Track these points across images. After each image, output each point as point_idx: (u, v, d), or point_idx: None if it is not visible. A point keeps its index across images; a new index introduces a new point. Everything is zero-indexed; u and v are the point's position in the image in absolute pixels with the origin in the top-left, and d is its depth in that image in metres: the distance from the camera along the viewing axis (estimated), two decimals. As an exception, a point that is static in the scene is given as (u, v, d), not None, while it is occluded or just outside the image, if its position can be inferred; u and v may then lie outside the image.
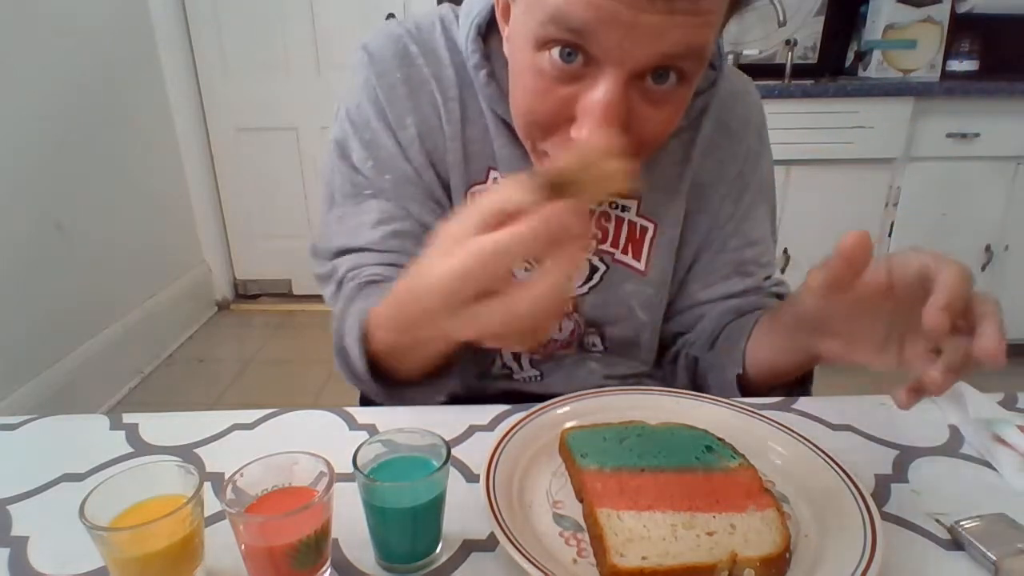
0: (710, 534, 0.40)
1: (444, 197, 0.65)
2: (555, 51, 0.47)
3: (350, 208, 0.66)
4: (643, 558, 0.38)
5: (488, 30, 0.61)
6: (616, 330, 0.70)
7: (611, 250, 0.67)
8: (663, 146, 0.64)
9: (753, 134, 0.69)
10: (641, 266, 0.67)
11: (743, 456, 0.48)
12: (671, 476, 0.46)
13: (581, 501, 0.45)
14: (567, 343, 0.72)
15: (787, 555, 0.39)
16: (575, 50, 0.47)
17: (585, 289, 0.68)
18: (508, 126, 0.63)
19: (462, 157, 0.64)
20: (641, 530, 0.41)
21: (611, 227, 0.66)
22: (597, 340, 0.72)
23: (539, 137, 0.54)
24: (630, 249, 0.67)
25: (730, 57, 2.45)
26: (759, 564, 0.38)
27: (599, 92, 0.47)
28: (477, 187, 0.65)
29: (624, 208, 0.66)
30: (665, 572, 0.38)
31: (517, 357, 0.73)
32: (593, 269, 0.67)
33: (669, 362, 0.75)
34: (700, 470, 0.46)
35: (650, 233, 0.67)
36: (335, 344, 0.59)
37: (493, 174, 0.64)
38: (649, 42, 0.45)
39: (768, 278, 0.72)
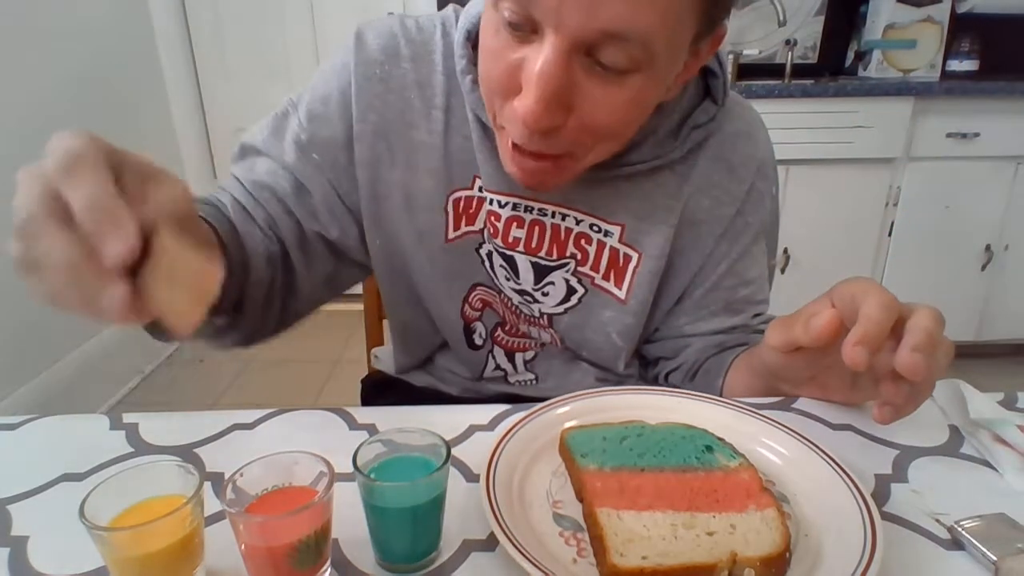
0: (710, 534, 0.40)
1: (359, 195, 0.65)
2: (505, 12, 0.47)
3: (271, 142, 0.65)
4: (643, 558, 0.38)
5: (479, 37, 0.61)
6: (591, 354, 0.70)
7: (591, 273, 0.66)
8: (650, 171, 0.63)
9: (757, 173, 0.67)
10: (622, 295, 0.66)
11: (743, 456, 0.48)
12: (671, 476, 0.46)
13: (581, 501, 0.45)
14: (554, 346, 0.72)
15: (787, 555, 0.39)
16: (522, 19, 0.46)
17: (561, 309, 0.67)
18: (491, 137, 0.62)
19: (443, 165, 0.63)
20: (641, 530, 0.41)
21: (592, 250, 0.65)
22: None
23: (498, 106, 0.53)
24: (612, 276, 0.66)
25: (730, 57, 2.45)
26: (759, 564, 0.38)
27: (538, 62, 0.46)
28: (461, 192, 0.64)
29: (607, 233, 0.64)
30: (665, 572, 0.38)
31: (511, 358, 0.73)
32: (571, 290, 0.66)
33: (650, 381, 0.75)
34: (700, 470, 0.46)
35: (634, 262, 0.65)
36: None
37: (479, 182, 0.64)
38: (584, 11, 0.44)
39: (757, 315, 0.70)
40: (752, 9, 2.47)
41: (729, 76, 0.64)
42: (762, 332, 0.68)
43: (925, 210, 2.11)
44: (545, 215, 0.64)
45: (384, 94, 0.63)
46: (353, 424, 0.57)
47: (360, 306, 1.02)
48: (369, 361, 0.96)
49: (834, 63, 2.52)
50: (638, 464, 0.47)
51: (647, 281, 0.65)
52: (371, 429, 0.56)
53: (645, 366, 0.75)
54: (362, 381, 0.91)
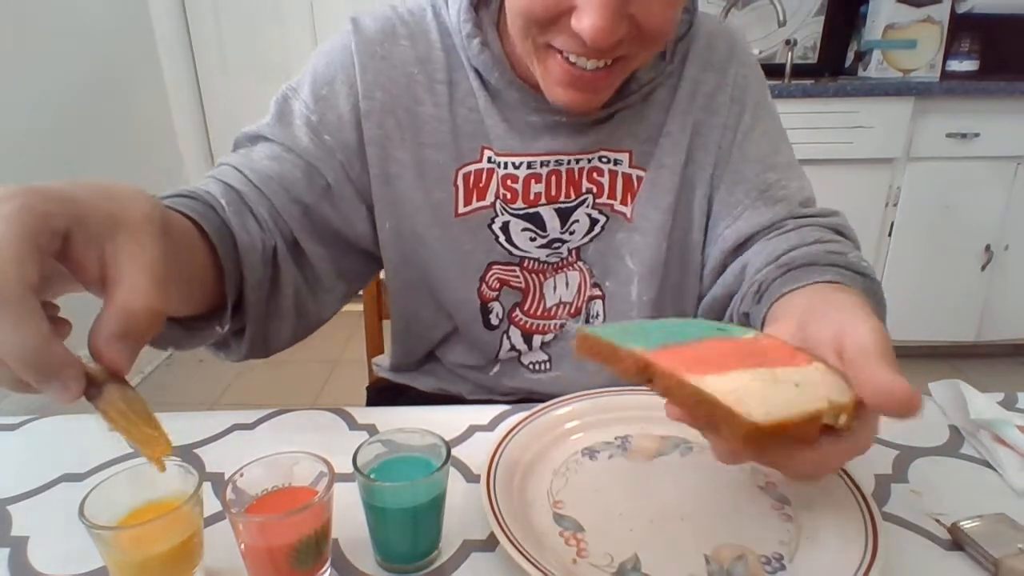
0: (797, 385, 0.36)
1: (371, 175, 0.65)
2: None
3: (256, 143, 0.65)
4: (767, 412, 0.32)
5: (479, 2, 0.62)
6: (612, 283, 0.70)
7: (609, 202, 0.67)
8: (647, 94, 0.65)
9: (737, 61, 0.69)
10: (628, 212, 0.68)
11: (755, 329, 0.44)
12: (716, 344, 0.40)
13: (648, 383, 0.37)
14: (576, 309, 0.71)
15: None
16: None
17: (588, 239, 0.68)
18: (500, 102, 0.63)
19: (451, 138, 0.64)
20: (742, 389, 0.34)
21: (605, 181, 0.67)
22: (599, 306, 0.71)
23: (537, 33, 0.54)
24: (628, 199, 0.67)
25: (730, 57, 2.45)
26: (851, 407, 0.35)
27: None
28: (470, 166, 0.65)
29: (616, 162, 0.66)
30: (797, 423, 0.33)
31: (528, 340, 0.72)
32: (593, 221, 0.68)
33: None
34: (734, 338, 0.41)
35: (643, 181, 0.67)
36: None
37: (487, 153, 0.65)
38: None
39: (807, 207, 0.66)
40: (752, 9, 2.47)
41: None
42: (822, 227, 0.63)
43: (925, 210, 2.11)
44: (561, 164, 0.65)
45: (388, 71, 0.64)
46: (353, 424, 0.57)
47: (360, 307, 1.02)
48: (371, 370, 0.96)
49: (834, 63, 2.52)
50: (679, 340, 0.40)
51: (652, 197, 0.66)
52: (371, 429, 0.56)
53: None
54: (367, 388, 0.91)
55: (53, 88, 1.90)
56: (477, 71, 0.63)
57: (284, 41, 2.52)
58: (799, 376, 0.36)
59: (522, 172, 0.65)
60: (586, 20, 0.49)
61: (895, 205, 2.12)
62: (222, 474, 0.51)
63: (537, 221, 0.67)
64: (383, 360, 0.85)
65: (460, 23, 0.62)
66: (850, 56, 2.49)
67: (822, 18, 2.46)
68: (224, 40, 2.54)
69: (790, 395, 0.34)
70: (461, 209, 0.66)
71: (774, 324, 0.50)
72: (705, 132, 0.67)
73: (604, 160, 0.66)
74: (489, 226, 0.67)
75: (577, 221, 0.67)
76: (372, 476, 0.40)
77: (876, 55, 2.28)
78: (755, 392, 0.34)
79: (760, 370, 0.36)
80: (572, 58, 0.54)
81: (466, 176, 0.65)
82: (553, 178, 0.66)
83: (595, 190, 0.67)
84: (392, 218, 0.66)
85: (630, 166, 0.67)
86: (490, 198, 0.66)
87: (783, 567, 0.40)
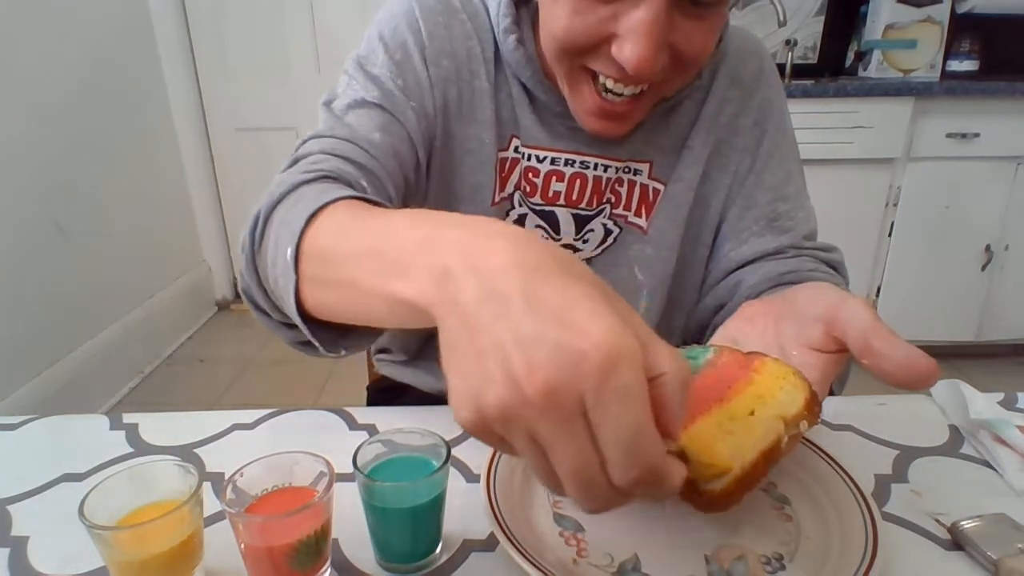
0: (751, 414, 0.38)
1: (433, 147, 0.63)
2: None
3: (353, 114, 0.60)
4: (723, 471, 0.36)
5: None
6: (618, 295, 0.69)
7: (624, 213, 0.67)
8: (673, 105, 0.65)
9: (765, 83, 0.69)
10: (644, 224, 0.67)
11: (711, 345, 0.45)
12: None
13: None
14: None
15: (812, 387, 0.38)
16: None
17: (599, 251, 0.68)
18: (530, 96, 0.63)
19: (494, 119, 0.64)
20: (702, 447, 0.37)
21: (624, 191, 0.67)
22: None
23: (575, 55, 0.54)
24: (643, 211, 0.67)
25: (730, 57, 2.46)
26: (805, 412, 0.37)
27: (641, 11, 0.48)
28: (503, 152, 0.65)
29: (636, 172, 0.66)
30: (752, 469, 0.36)
31: None
32: (607, 232, 0.68)
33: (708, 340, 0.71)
34: (698, 370, 0.43)
35: (661, 195, 0.67)
36: (260, 214, 0.46)
37: (515, 142, 0.65)
38: None
39: (810, 239, 0.67)
40: (752, 9, 2.47)
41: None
42: (820, 260, 0.65)
43: (925, 210, 2.11)
44: (587, 168, 0.65)
45: (451, 39, 0.63)
46: (353, 424, 0.57)
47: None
48: (371, 369, 0.95)
49: (834, 63, 2.52)
50: None
51: (670, 211, 0.66)
52: (371, 429, 0.56)
53: (701, 333, 0.72)
54: (368, 388, 0.91)
55: (53, 88, 1.90)
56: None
57: (284, 41, 2.52)
58: (753, 400, 0.39)
59: (544, 167, 0.65)
60: (629, 50, 0.49)
61: (895, 205, 2.12)
62: (222, 474, 0.51)
63: (552, 221, 0.66)
64: (385, 354, 0.85)
65: (500, 16, 0.62)
66: (850, 56, 2.49)
67: (822, 18, 2.46)
68: (224, 40, 2.54)
69: (745, 436, 0.36)
70: (496, 197, 0.65)
71: (755, 300, 0.52)
72: (726, 152, 0.67)
73: (626, 171, 0.66)
74: (504, 218, 0.66)
75: (592, 230, 0.67)
76: (372, 476, 0.40)
77: (876, 55, 2.28)
78: (716, 446, 0.36)
79: (717, 412, 0.39)
80: (609, 84, 0.54)
81: (502, 161, 0.65)
82: (577, 181, 0.65)
83: (613, 200, 0.67)
84: (437, 189, 0.65)
85: (649, 177, 0.66)
86: (510, 188, 0.66)
87: (783, 567, 0.40)
